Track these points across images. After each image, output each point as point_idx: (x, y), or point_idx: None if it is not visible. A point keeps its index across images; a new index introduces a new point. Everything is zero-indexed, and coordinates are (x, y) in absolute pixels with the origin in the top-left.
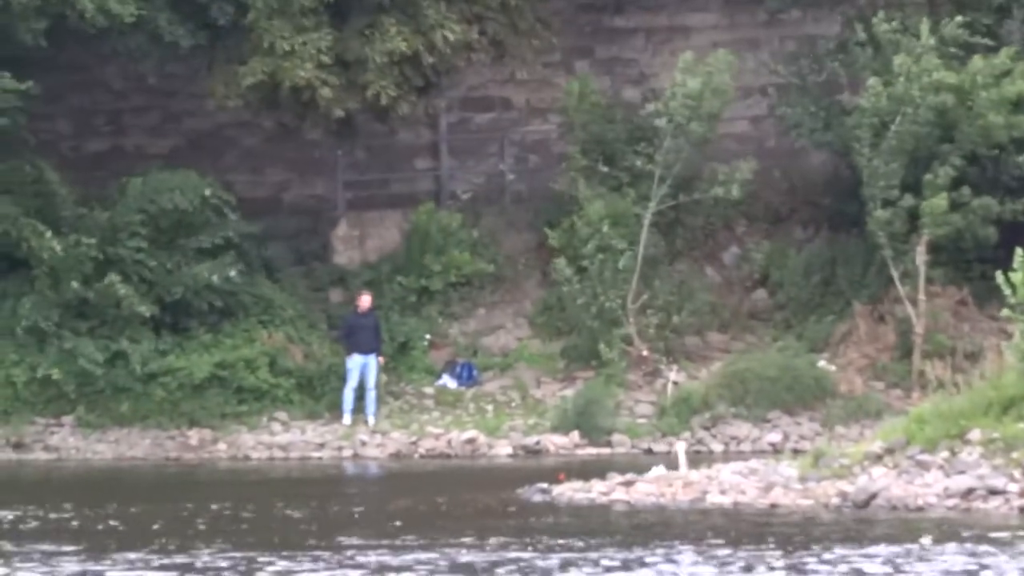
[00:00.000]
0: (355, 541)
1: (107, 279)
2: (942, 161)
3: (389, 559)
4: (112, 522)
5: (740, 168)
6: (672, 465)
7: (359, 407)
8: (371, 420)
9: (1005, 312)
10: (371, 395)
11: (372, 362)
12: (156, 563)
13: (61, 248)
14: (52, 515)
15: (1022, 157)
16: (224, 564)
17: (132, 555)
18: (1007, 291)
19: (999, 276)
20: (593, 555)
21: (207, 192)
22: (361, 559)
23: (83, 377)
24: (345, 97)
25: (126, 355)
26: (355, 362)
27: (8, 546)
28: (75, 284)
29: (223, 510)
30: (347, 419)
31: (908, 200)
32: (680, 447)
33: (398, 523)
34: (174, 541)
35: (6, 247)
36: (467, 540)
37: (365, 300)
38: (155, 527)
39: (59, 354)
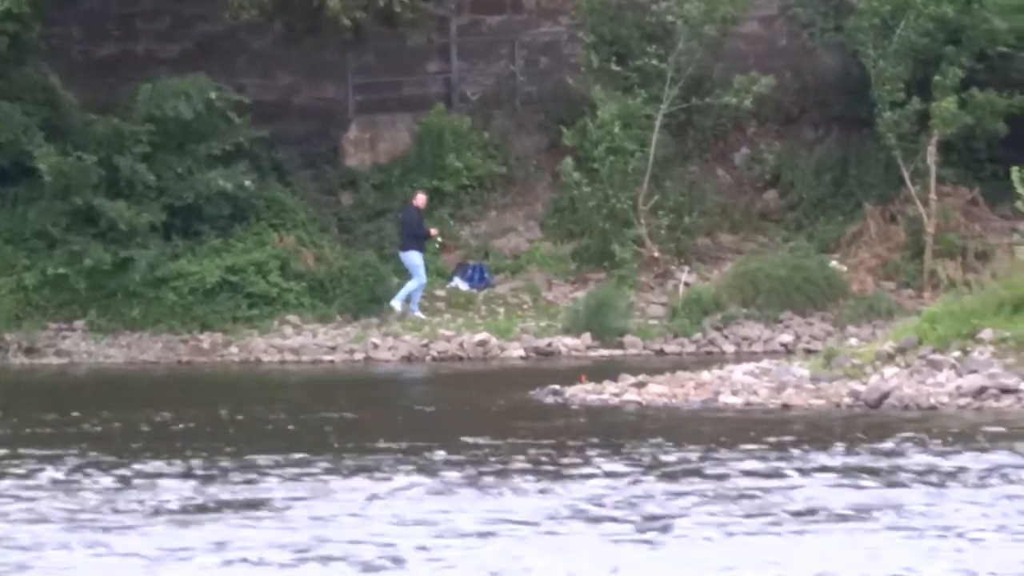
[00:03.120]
0: (386, 444)
1: (102, 200)
2: (950, 61)
3: (424, 460)
4: (144, 427)
5: (759, 82)
6: None
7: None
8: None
9: (1019, 204)
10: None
11: None
12: (191, 466)
13: (64, 164)
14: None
15: None
16: (263, 462)
17: (156, 461)
18: (1021, 188)
19: (1014, 172)
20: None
21: (212, 95)
22: (403, 460)
23: (93, 279)
24: (353, 5)
25: (134, 261)
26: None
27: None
28: (78, 200)
29: (249, 412)
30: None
31: (916, 103)
32: None
33: (430, 422)
34: (196, 444)
35: (16, 155)
36: (492, 442)
37: (421, 198)
38: (188, 428)
39: (68, 257)
